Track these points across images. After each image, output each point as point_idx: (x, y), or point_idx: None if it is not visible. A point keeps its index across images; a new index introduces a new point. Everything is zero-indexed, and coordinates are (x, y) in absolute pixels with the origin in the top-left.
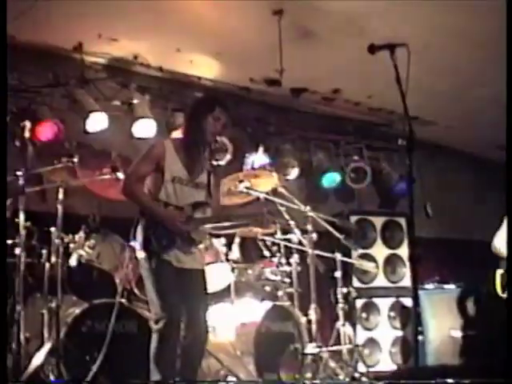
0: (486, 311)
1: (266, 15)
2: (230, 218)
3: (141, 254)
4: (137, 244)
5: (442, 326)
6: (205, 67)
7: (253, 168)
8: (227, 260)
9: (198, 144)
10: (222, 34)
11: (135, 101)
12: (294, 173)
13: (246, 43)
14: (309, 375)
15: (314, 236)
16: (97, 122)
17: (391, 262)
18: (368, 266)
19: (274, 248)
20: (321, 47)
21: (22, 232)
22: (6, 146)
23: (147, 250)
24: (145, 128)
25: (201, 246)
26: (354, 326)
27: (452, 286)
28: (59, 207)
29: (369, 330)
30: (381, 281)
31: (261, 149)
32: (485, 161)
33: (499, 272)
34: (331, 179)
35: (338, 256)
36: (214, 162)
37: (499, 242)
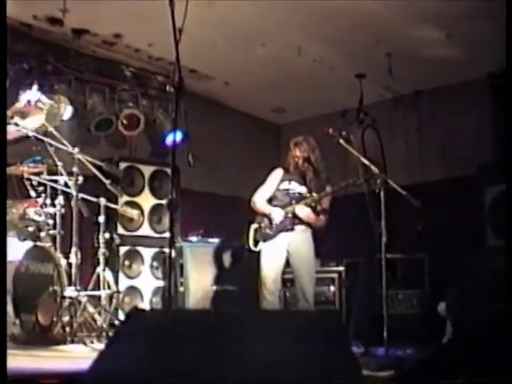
0: (241, 265)
1: None
2: None
3: None
4: None
5: (204, 279)
6: None
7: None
8: None
9: None
10: None
11: None
12: (67, 114)
13: None
14: (67, 318)
15: (81, 179)
16: None
17: (157, 212)
18: (132, 213)
19: (40, 188)
20: None
21: None
22: (6, 144)
23: None
24: None
25: None
26: (116, 272)
27: (215, 240)
28: None
29: (131, 278)
30: (146, 230)
31: (35, 87)
32: (259, 121)
33: (253, 226)
34: (104, 124)
35: (103, 201)
36: None
37: (258, 199)
